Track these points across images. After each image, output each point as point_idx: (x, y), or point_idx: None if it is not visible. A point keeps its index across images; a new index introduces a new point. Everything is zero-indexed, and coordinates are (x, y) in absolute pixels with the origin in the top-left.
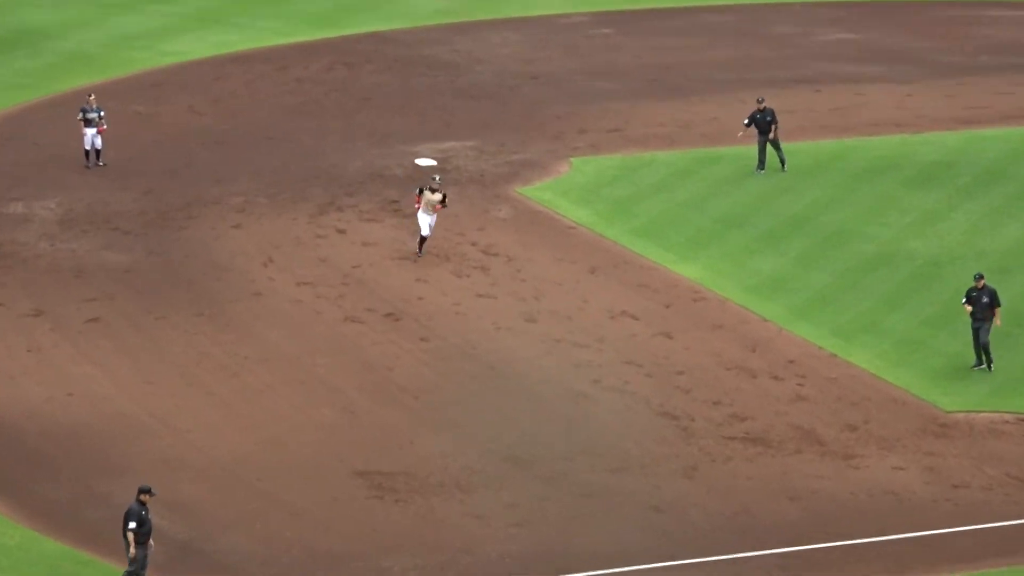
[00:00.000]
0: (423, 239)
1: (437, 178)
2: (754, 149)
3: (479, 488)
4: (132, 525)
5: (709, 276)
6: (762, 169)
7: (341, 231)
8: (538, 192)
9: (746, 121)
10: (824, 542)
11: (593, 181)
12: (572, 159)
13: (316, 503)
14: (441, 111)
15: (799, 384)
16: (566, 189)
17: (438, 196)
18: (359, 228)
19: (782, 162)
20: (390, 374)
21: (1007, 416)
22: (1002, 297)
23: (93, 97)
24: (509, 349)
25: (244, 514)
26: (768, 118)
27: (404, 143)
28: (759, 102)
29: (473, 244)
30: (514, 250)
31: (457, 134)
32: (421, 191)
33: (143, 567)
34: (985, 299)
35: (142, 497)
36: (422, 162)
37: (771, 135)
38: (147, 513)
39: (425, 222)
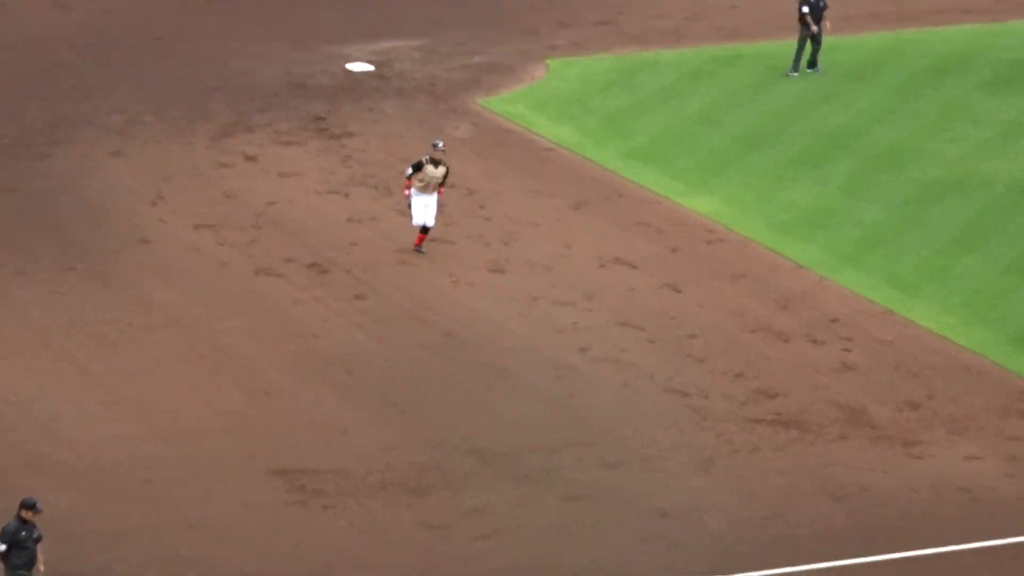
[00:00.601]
0: (424, 230)
1: (440, 144)
2: (787, 45)
3: (433, 490)
4: (1, 548)
5: (728, 211)
6: (796, 72)
7: (251, 158)
8: (506, 104)
9: (805, 8)
10: (877, 554)
11: (577, 89)
12: (549, 61)
13: (221, 512)
14: (380, 1)
15: (844, 350)
16: (542, 100)
17: (442, 171)
18: (274, 154)
19: (813, 62)
20: (316, 343)
21: None
22: None
23: None
24: (471, 309)
25: (128, 528)
26: (823, 3)
27: (332, 44)
28: None
29: None
30: (476, 180)
31: (401, 31)
32: (418, 167)
33: None
34: None
35: (24, 513)
36: (355, 67)
37: (825, 27)
38: (29, 534)
39: (422, 207)
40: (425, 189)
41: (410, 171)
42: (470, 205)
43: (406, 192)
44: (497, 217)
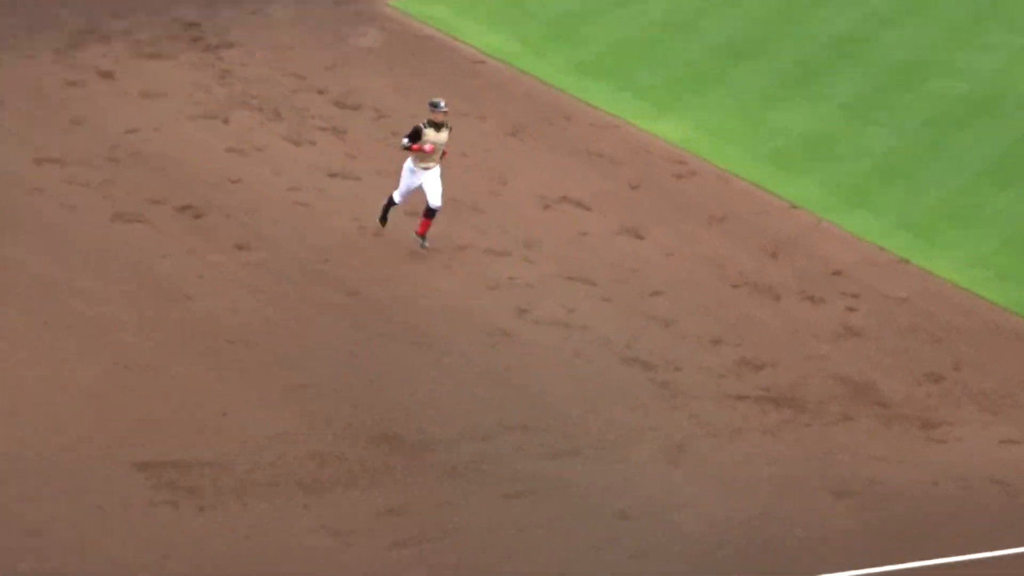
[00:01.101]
0: (430, 214)
1: (441, 103)
2: None
3: (337, 487)
4: None
5: (703, 138)
6: None
7: (106, 75)
8: (424, 5)
9: None
10: (890, 563)
11: None
12: None
13: (70, 515)
14: None
15: (849, 308)
16: (470, 1)
17: (445, 135)
18: (135, 70)
19: None
20: (189, 306)
21: None
22: None
23: None
24: (382, 261)
25: None
26: None
27: None
28: None
29: (320, 92)
30: (387, 99)
31: None
32: (416, 135)
33: None
34: None
35: None
36: None
37: None
38: None
39: (425, 182)
40: (425, 160)
41: (407, 142)
42: (380, 133)
43: (420, 147)
44: None
